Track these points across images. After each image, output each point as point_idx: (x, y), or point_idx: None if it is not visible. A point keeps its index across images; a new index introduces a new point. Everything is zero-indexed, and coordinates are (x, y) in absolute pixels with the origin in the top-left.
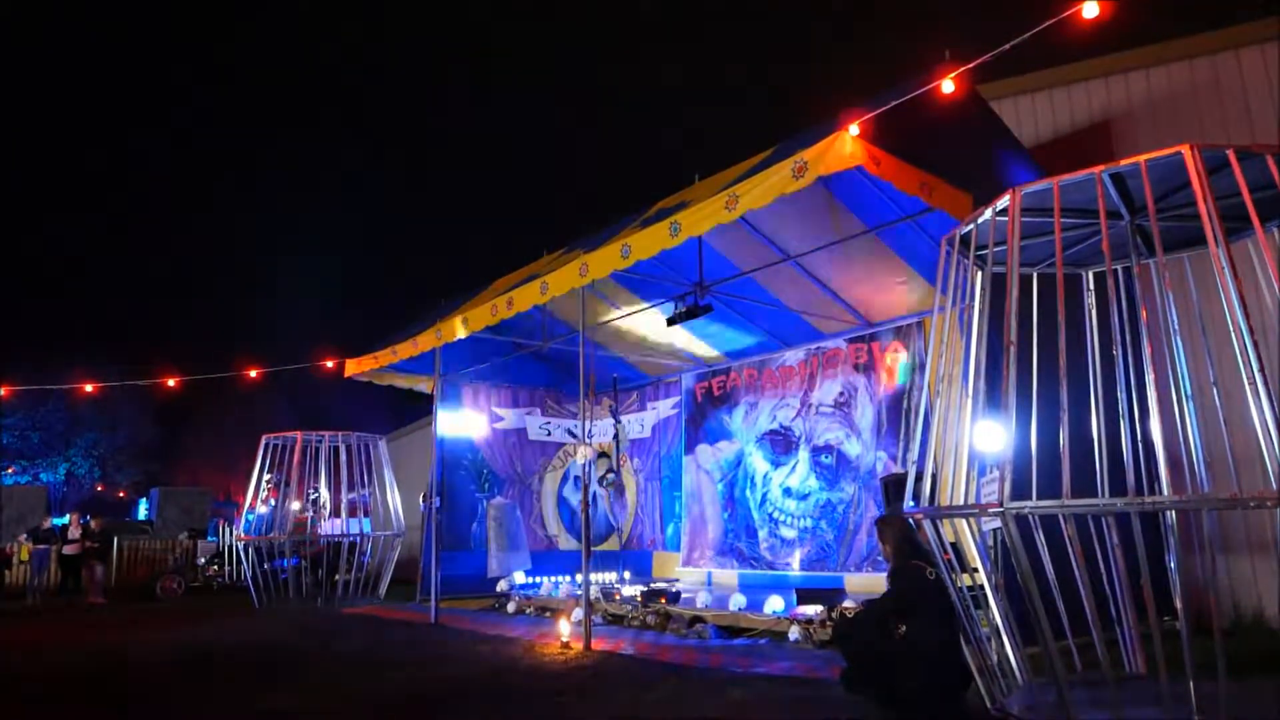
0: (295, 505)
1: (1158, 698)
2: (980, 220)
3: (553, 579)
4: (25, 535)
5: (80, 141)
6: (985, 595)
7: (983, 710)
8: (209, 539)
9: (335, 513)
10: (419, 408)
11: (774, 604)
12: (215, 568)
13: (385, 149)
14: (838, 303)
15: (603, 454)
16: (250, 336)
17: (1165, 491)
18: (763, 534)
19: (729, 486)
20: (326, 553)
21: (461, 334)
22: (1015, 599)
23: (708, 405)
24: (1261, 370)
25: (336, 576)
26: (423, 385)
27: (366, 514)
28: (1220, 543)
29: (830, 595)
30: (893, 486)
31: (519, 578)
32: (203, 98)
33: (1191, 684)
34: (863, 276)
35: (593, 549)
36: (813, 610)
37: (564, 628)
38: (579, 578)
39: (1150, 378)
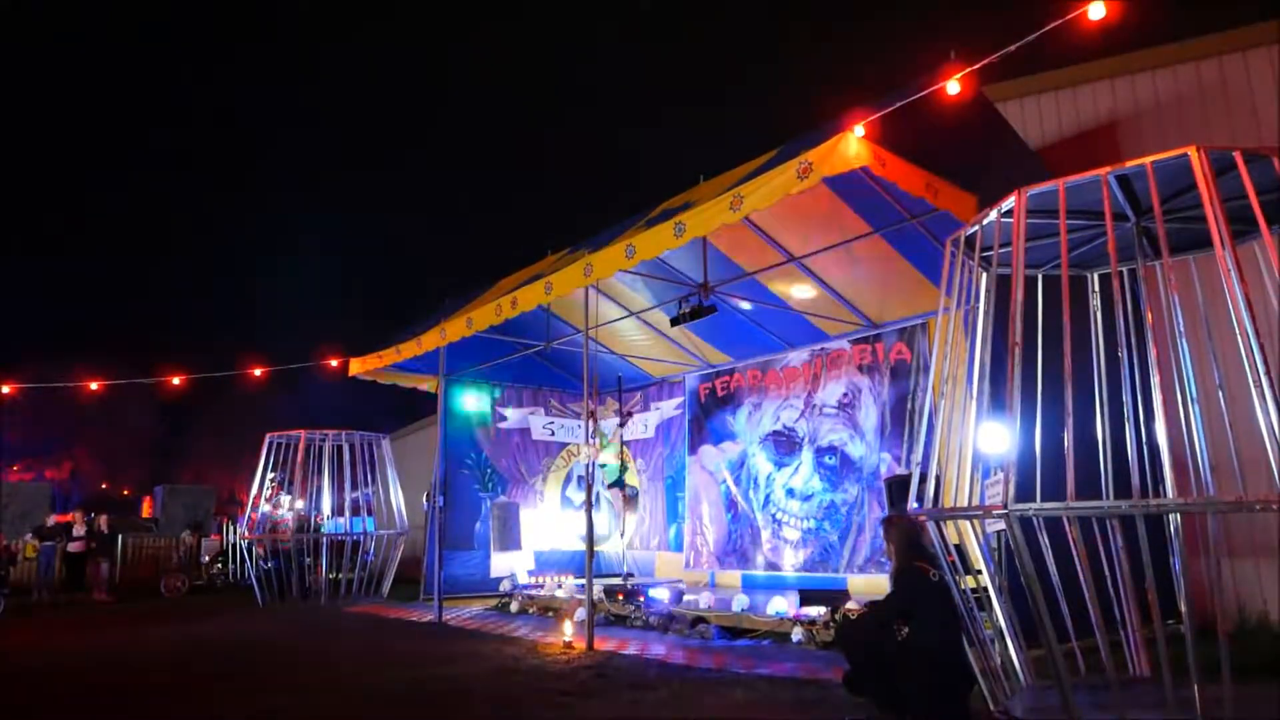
0: (300, 504)
1: (1162, 701)
2: (985, 221)
3: (556, 579)
4: (30, 534)
5: (84, 139)
6: (989, 597)
7: (986, 712)
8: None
9: (338, 511)
10: (423, 407)
11: (777, 605)
12: (219, 566)
13: (390, 147)
14: (842, 304)
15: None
16: (255, 335)
17: (1170, 494)
18: (766, 535)
19: (732, 487)
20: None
21: (465, 333)
22: (1019, 601)
23: (712, 405)
24: (1267, 373)
25: (339, 575)
26: (426, 385)
27: (370, 513)
28: (1225, 546)
29: (833, 596)
30: (897, 488)
31: (522, 577)
32: (205, 97)
33: (1196, 687)
34: (867, 278)
35: (595, 549)
36: (816, 611)
37: (567, 628)
38: (581, 579)
39: (1155, 380)
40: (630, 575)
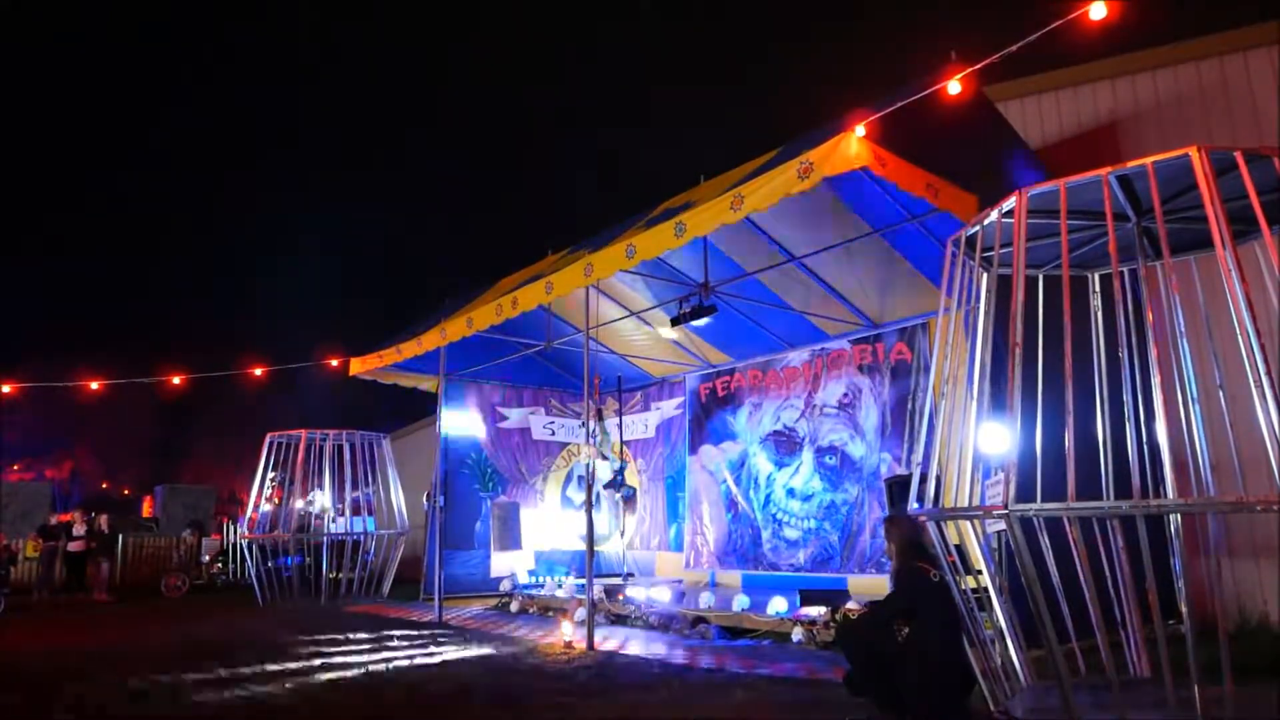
0: (299, 504)
1: (1162, 701)
2: (986, 222)
3: (556, 579)
4: (35, 533)
5: (84, 139)
6: (989, 597)
7: (986, 712)
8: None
9: (340, 514)
10: (423, 407)
11: (777, 605)
12: (219, 565)
13: (389, 147)
14: (842, 304)
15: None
16: (255, 335)
17: (1170, 494)
18: (766, 535)
19: (733, 487)
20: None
21: (466, 333)
22: (1019, 601)
23: (712, 405)
24: (1268, 373)
25: (339, 574)
26: (427, 384)
27: (370, 513)
28: (1225, 546)
29: (834, 596)
30: (897, 488)
31: (522, 577)
32: (205, 97)
33: (1196, 687)
34: (867, 278)
35: (596, 549)
36: (816, 611)
37: (567, 628)
38: (582, 579)
39: (1156, 380)
40: (630, 575)
